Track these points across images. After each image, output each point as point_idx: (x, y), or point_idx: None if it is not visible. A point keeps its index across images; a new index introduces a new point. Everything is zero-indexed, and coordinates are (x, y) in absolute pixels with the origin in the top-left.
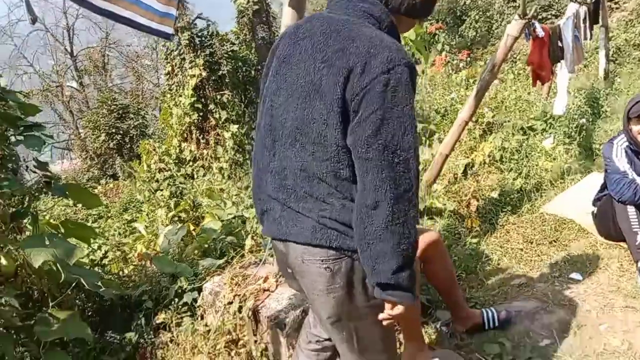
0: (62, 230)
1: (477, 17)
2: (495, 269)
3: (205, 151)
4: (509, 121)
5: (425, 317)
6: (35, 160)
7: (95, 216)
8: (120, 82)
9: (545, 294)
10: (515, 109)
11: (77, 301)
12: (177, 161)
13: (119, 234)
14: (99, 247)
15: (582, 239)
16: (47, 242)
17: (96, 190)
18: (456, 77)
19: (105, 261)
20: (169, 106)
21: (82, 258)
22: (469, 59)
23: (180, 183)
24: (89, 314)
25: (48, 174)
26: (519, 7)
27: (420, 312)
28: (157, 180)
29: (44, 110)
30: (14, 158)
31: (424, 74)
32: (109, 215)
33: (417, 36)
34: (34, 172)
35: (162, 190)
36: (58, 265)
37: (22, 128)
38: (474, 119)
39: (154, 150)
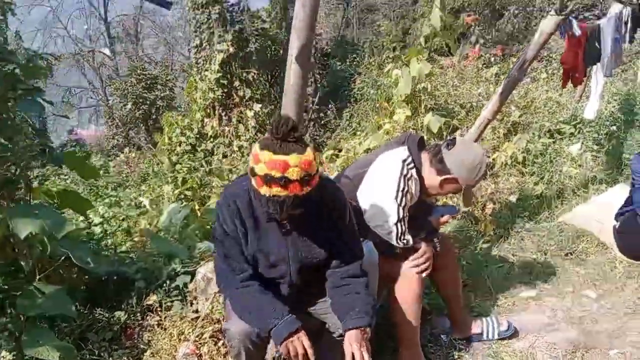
0: (58, 201)
1: (516, 11)
2: (504, 277)
3: (227, 128)
4: (536, 122)
5: (425, 324)
6: (32, 127)
7: (115, 184)
8: (151, 52)
9: (554, 309)
10: (545, 110)
11: (72, 275)
12: (198, 136)
13: (134, 205)
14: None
15: (601, 255)
16: (36, 212)
17: (117, 159)
18: (486, 72)
19: (109, 231)
20: (194, 80)
21: (86, 230)
22: (503, 55)
23: (194, 159)
24: (82, 288)
25: (46, 142)
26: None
27: (419, 319)
28: (177, 154)
29: (74, 75)
30: (9, 122)
31: (452, 66)
32: (127, 185)
33: (445, 26)
34: (30, 139)
35: (180, 164)
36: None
37: (20, 91)
38: (499, 117)
39: (176, 123)
